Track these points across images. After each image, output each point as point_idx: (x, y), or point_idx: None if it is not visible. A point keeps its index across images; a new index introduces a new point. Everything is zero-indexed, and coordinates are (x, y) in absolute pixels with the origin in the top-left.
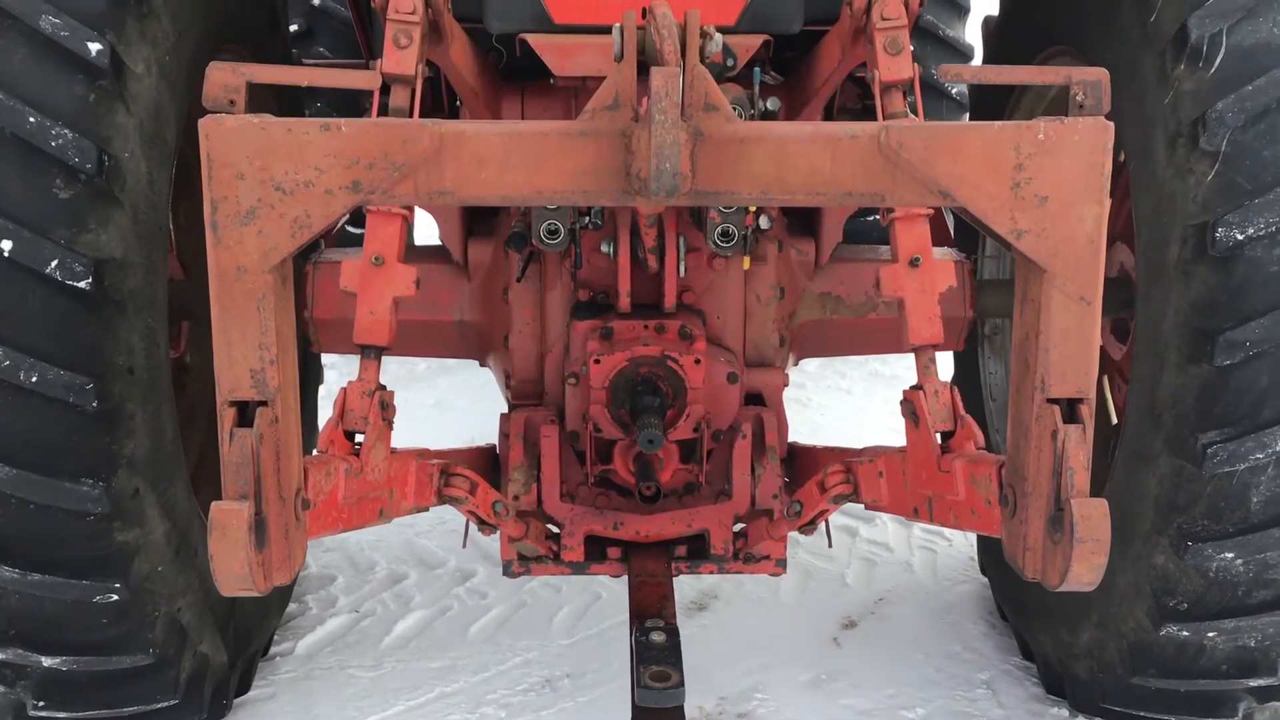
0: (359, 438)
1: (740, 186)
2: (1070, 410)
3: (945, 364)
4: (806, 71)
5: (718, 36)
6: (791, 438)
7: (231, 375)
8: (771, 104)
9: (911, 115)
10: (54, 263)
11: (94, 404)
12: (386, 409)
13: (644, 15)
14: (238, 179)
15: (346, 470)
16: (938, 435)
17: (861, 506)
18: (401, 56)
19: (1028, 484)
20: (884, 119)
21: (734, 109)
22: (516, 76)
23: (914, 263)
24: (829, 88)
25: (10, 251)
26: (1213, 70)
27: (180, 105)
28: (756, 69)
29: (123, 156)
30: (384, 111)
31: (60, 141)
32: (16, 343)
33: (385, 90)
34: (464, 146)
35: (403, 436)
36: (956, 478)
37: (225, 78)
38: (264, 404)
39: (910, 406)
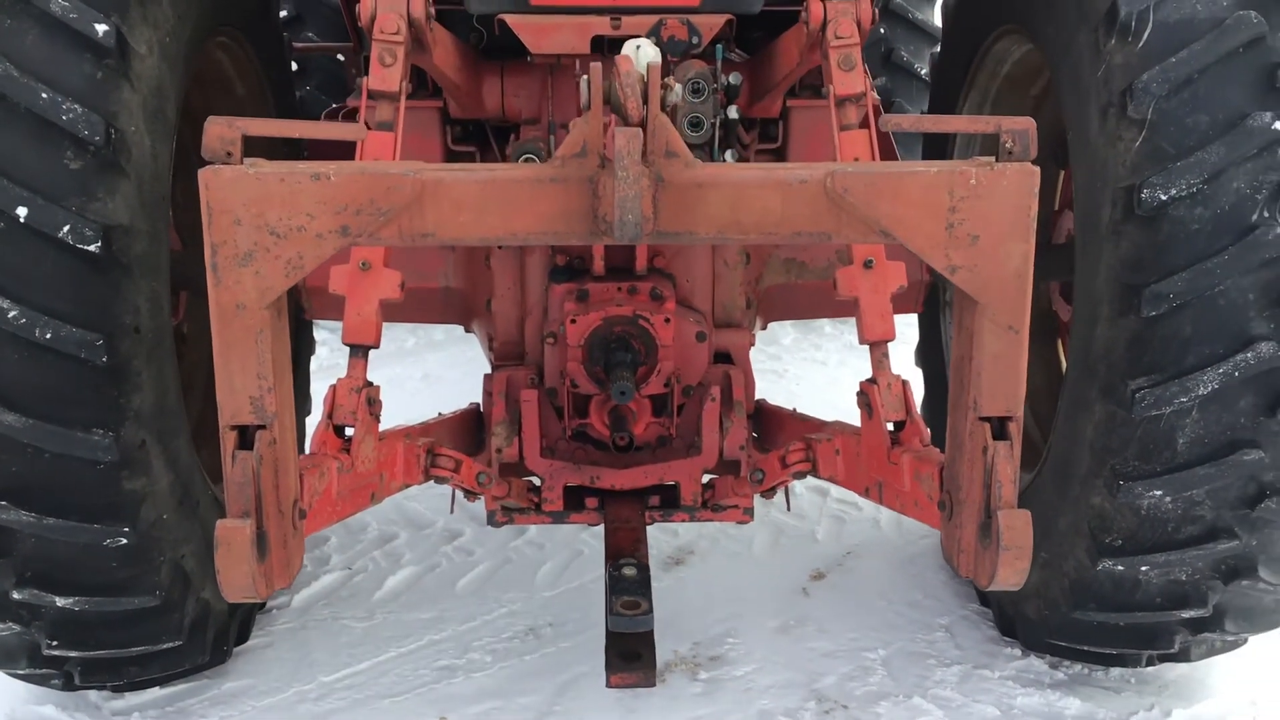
0: (349, 431)
1: (699, 227)
2: (1000, 427)
3: (909, 325)
4: (767, 62)
5: (677, 88)
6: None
7: (233, 402)
8: (734, 79)
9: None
10: (66, 228)
11: (103, 359)
12: (374, 404)
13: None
14: (235, 225)
15: (339, 468)
16: (890, 425)
17: None
18: (386, 74)
19: (962, 492)
20: (838, 131)
21: (697, 83)
22: (496, 55)
23: (868, 264)
24: (787, 82)
25: (26, 217)
26: (1140, 44)
27: (179, 84)
28: (719, 46)
29: (128, 130)
30: (370, 121)
31: (70, 116)
32: (32, 301)
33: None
34: (443, 193)
35: (393, 408)
36: (903, 471)
37: (222, 131)
38: (263, 427)
39: (865, 398)
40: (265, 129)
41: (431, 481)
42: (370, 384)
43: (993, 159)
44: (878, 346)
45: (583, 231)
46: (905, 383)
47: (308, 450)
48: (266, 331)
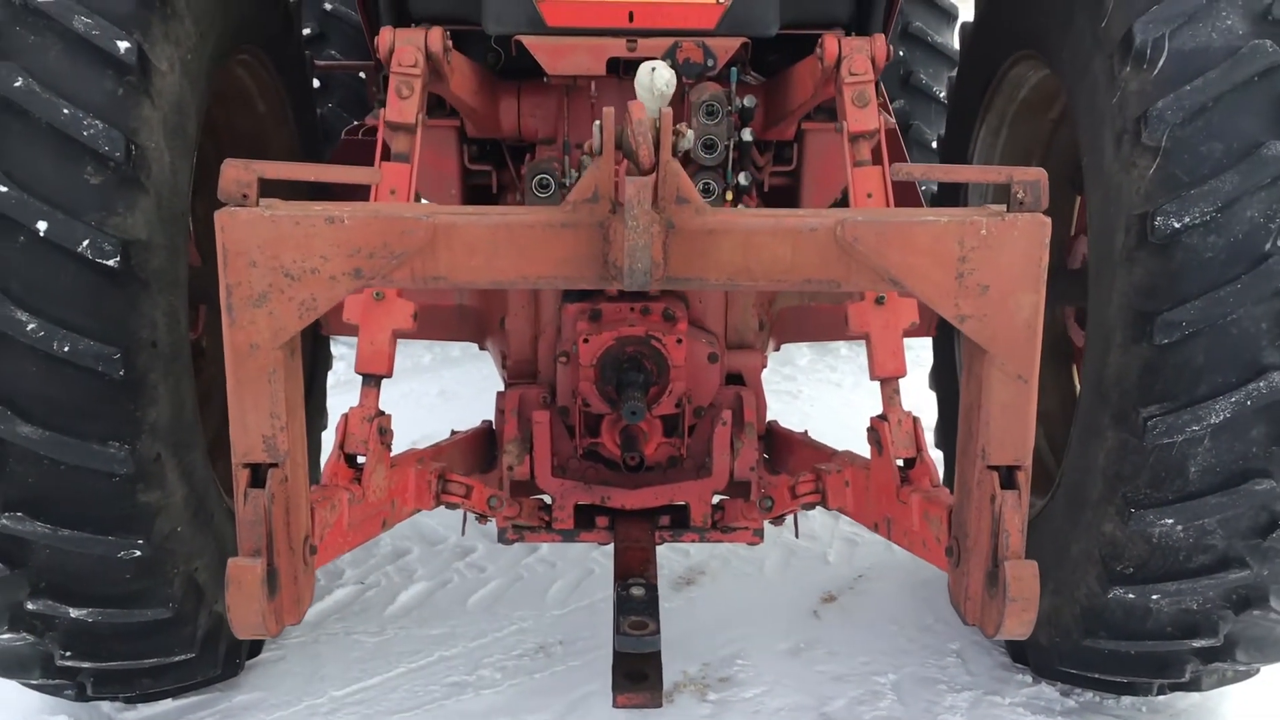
0: (360, 459)
1: (709, 273)
2: (1008, 476)
3: (924, 350)
4: (783, 89)
5: (689, 134)
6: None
7: (245, 440)
8: (748, 101)
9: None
10: (85, 242)
11: (120, 373)
12: (385, 434)
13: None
14: (250, 266)
15: (350, 499)
16: (900, 461)
17: None
18: (403, 106)
19: (970, 539)
20: (852, 167)
21: (712, 105)
22: (512, 75)
23: (879, 300)
24: (802, 110)
25: (46, 232)
26: (1155, 71)
27: (200, 101)
28: (734, 69)
29: (148, 146)
30: (387, 152)
31: (91, 131)
32: (50, 315)
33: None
34: (456, 237)
35: (409, 423)
36: (912, 510)
37: (238, 174)
38: (275, 465)
39: (875, 435)
40: (281, 171)
41: (442, 507)
42: (382, 413)
43: (1004, 208)
44: (888, 383)
45: (593, 276)
46: (916, 420)
47: (323, 465)
48: (280, 371)
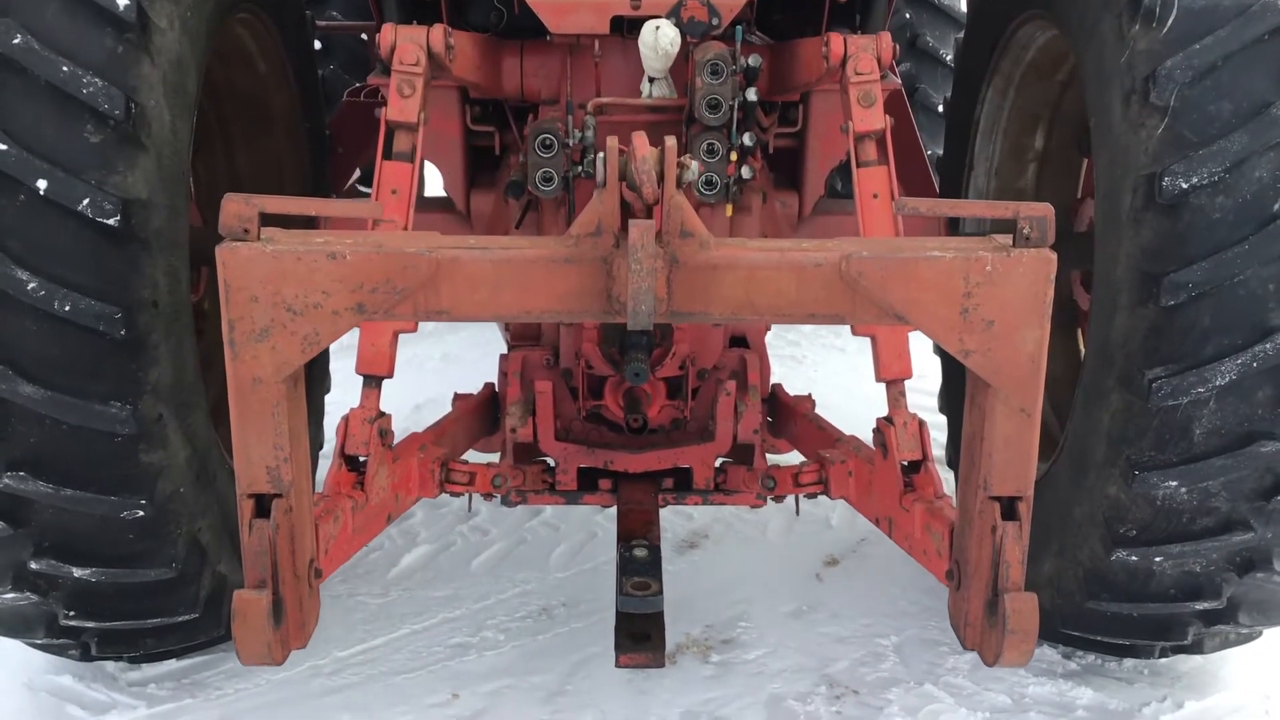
0: (361, 458)
1: (713, 307)
2: (1010, 507)
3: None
4: (789, 60)
5: (693, 165)
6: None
7: (249, 472)
8: (753, 61)
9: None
10: (85, 201)
11: (121, 332)
12: (385, 435)
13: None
14: (252, 301)
15: (353, 507)
16: (905, 461)
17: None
18: (405, 105)
19: (970, 566)
20: (857, 167)
21: (716, 64)
22: (515, 34)
23: None
24: (806, 86)
25: (46, 190)
26: (1165, 30)
27: (200, 59)
28: (739, 28)
29: (148, 105)
30: (388, 150)
31: (91, 89)
32: (51, 274)
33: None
34: (458, 271)
35: (413, 388)
36: (915, 519)
37: (239, 208)
38: (279, 496)
39: (880, 437)
40: (284, 206)
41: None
42: (383, 414)
43: (1009, 241)
44: (894, 385)
45: (597, 310)
46: (922, 423)
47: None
48: (283, 404)
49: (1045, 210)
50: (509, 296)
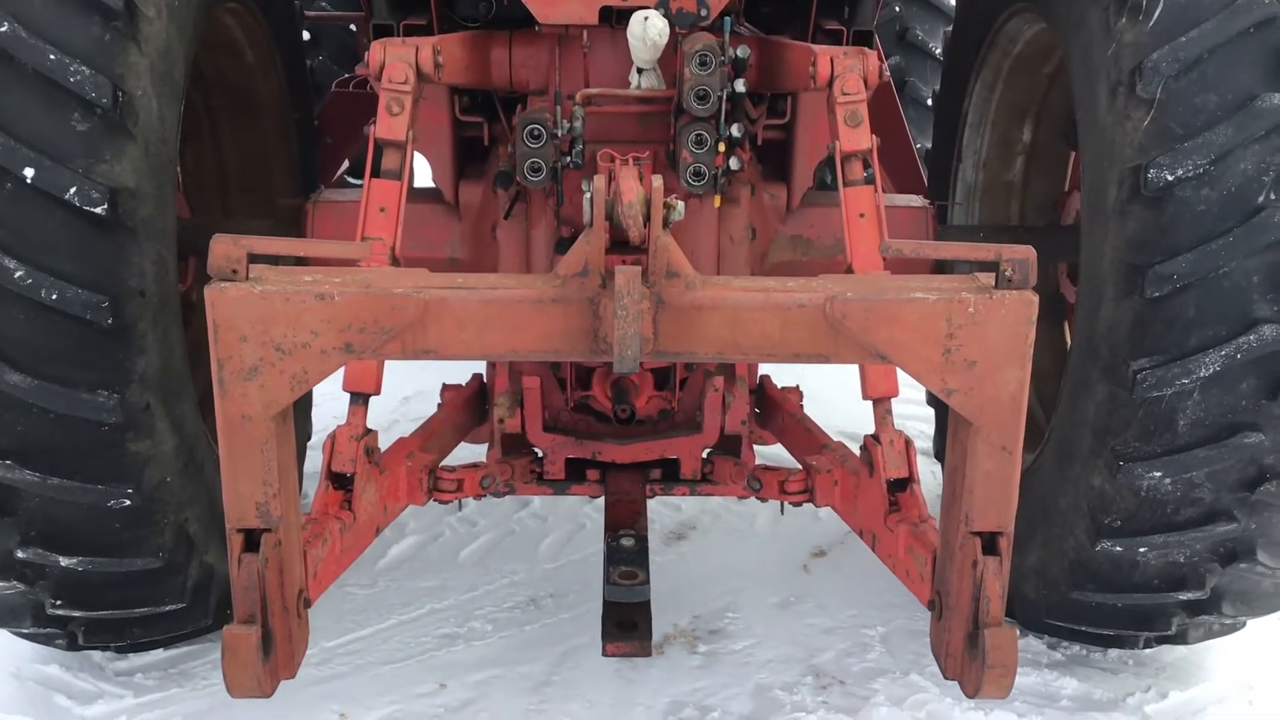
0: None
1: (698, 347)
2: (991, 542)
3: None
4: (778, 59)
5: (680, 205)
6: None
7: (238, 507)
8: (742, 52)
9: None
10: (72, 189)
11: (109, 321)
12: (372, 453)
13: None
14: (241, 341)
15: (341, 529)
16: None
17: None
18: (394, 123)
19: (951, 598)
20: (843, 186)
21: (705, 55)
22: (504, 25)
23: None
24: (793, 90)
25: (33, 178)
26: (1151, 23)
27: (188, 48)
28: (728, 19)
29: (135, 93)
30: (376, 167)
31: (78, 78)
32: (38, 262)
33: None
34: (446, 312)
35: (401, 379)
36: (899, 540)
37: (227, 249)
38: (269, 530)
39: (867, 455)
40: (272, 246)
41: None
42: (370, 431)
43: (992, 282)
44: (880, 403)
45: (584, 350)
46: (909, 441)
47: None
48: (271, 441)
49: (1027, 253)
50: (496, 336)
